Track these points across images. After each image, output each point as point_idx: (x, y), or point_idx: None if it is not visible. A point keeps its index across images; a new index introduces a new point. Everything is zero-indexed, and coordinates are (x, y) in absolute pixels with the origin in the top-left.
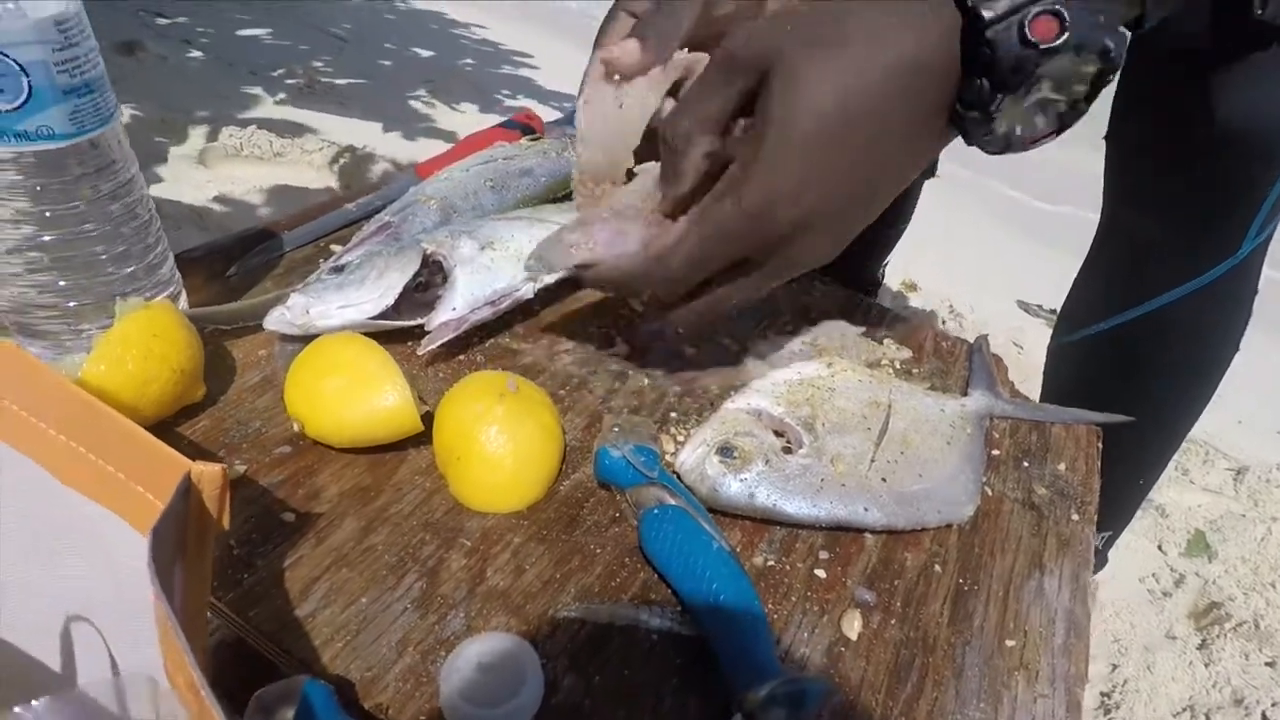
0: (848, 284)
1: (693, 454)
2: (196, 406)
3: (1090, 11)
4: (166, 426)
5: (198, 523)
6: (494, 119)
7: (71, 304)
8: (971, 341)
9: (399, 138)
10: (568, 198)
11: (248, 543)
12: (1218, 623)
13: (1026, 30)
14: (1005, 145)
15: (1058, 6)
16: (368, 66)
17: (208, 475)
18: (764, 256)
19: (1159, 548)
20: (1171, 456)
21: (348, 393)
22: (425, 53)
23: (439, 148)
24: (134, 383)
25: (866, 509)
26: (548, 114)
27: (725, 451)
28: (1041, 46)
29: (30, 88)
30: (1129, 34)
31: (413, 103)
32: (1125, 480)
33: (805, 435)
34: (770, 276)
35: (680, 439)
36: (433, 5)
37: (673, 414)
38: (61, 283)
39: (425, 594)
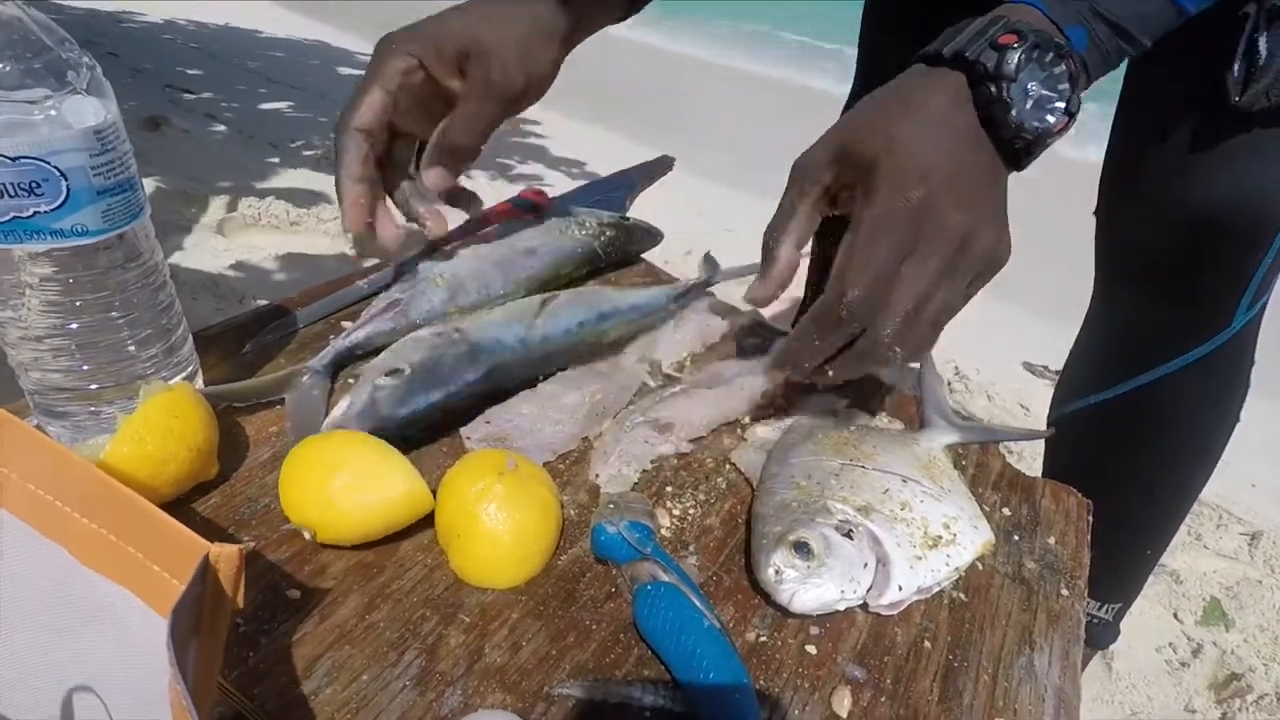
0: None
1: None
2: (210, 484)
3: (1037, 29)
4: (180, 503)
5: (213, 602)
6: (504, 185)
7: (93, 386)
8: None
9: None
10: (575, 273)
11: (254, 620)
12: (1238, 695)
13: (996, 40)
14: (1036, 135)
15: (1016, 25)
16: None
17: (225, 556)
18: (928, 242)
19: (1175, 616)
20: (1178, 526)
21: (356, 491)
22: None
23: (450, 214)
24: (152, 462)
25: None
26: (557, 179)
27: (800, 548)
28: (1008, 46)
29: (68, 190)
30: (1083, 37)
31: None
32: (1132, 552)
33: (862, 525)
34: (952, 269)
35: (676, 513)
36: None
37: (669, 488)
38: (85, 367)
39: (424, 671)
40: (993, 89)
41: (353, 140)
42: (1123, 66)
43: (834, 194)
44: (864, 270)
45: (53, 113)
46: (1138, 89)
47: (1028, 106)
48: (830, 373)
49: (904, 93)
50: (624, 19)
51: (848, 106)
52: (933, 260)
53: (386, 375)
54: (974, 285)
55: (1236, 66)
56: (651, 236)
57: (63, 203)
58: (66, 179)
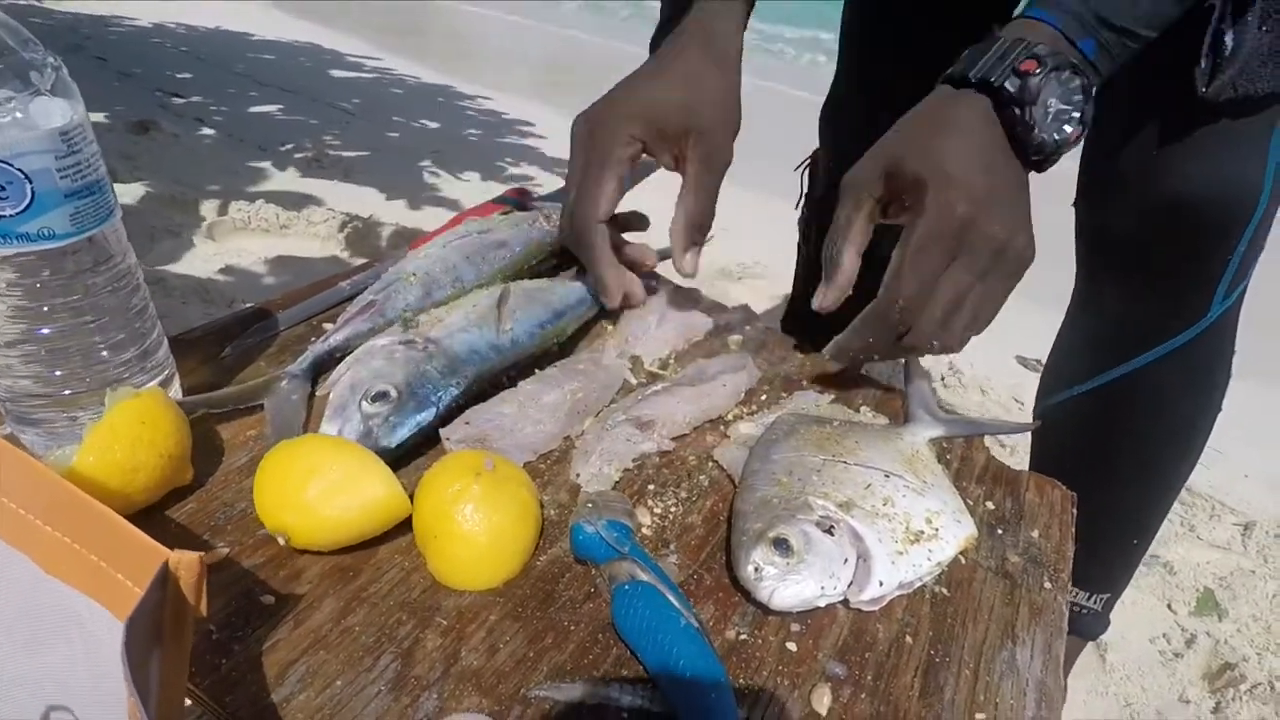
0: None
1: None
2: (185, 489)
3: (1054, 51)
4: (154, 510)
5: (175, 610)
6: (497, 187)
7: (67, 392)
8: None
9: (404, 206)
10: (543, 264)
11: (227, 626)
12: (1232, 685)
13: (1018, 67)
14: (1055, 148)
15: (1034, 51)
16: (375, 139)
17: (185, 563)
18: (969, 252)
19: (1168, 606)
20: (1164, 516)
21: (332, 497)
22: (431, 124)
23: (444, 215)
24: (123, 471)
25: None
26: (550, 180)
27: (780, 545)
28: (1029, 73)
29: (33, 194)
30: (1092, 47)
31: (418, 172)
32: (1119, 542)
33: (844, 521)
34: (987, 272)
35: (657, 511)
36: (440, 79)
37: (650, 486)
38: (58, 373)
39: (400, 675)
40: (1017, 112)
41: (600, 234)
42: None
43: (884, 206)
44: (914, 277)
45: (17, 114)
46: (1111, 80)
47: (1048, 123)
48: (876, 357)
49: (939, 115)
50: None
51: (828, 106)
52: (973, 267)
53: (373, 401)
54: (1008, 284)
55: (1203, 58)
56: None
57: (28, 206)
58: (31, 181)
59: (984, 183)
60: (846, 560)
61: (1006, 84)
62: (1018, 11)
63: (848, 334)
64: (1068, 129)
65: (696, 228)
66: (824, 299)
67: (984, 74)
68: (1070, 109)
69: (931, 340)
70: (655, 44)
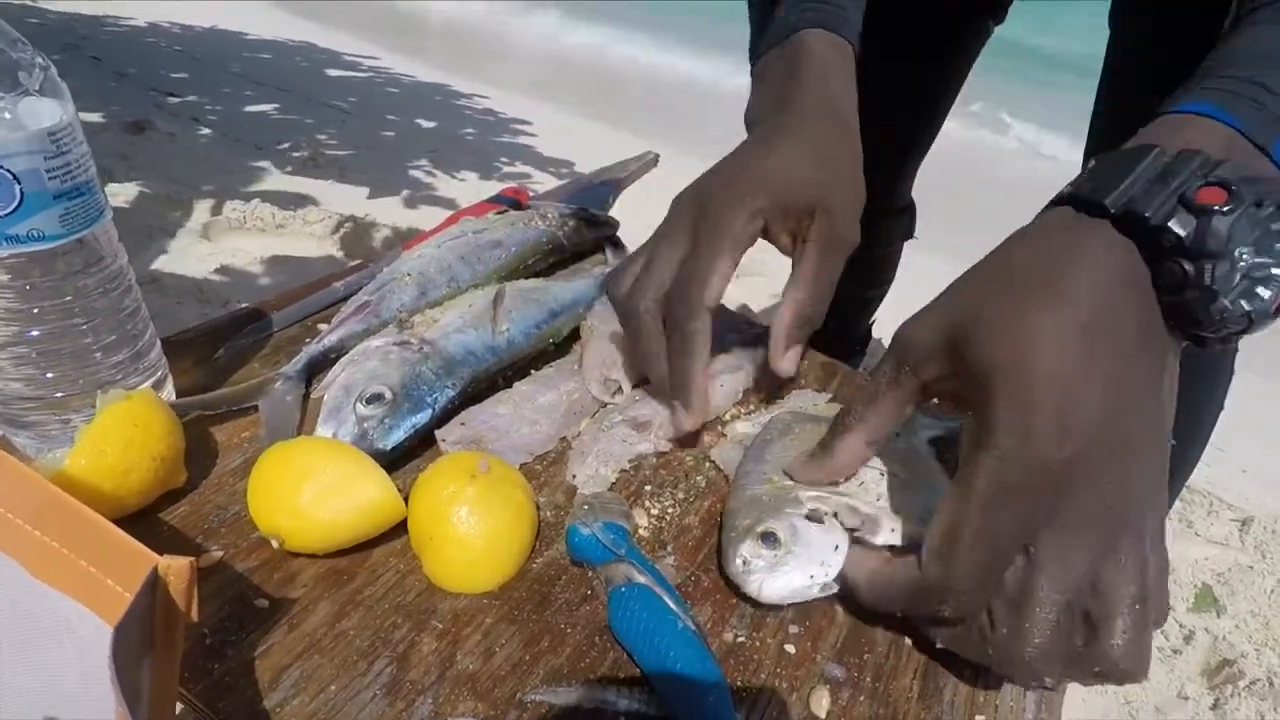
0: (839, 342)
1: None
2: (178, 492)
3: (1242, 170)
4: (147, 513)
5: (165, 615)
6: (493, 186)
7: (59, 394)
8: None
9: (400, 206)
10: (539, 264)
11: (220, 631)
12: (1230, 681)
13: (1192, 197)
14: (1245, 323)
15: (1219, 174)
16: (371, 138)
17: (175, 568)
18: (1062, 504)
19: None
20: (1166, 513)
21: (326, 499)
22: (427, 123)
23: (440, 215)
24: (115, 474)
25: None
26: (546, 179)
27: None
28: (1212, 208)
29: (22, 194)
30: None
31: (414, 172)
32: None
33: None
34: (1123, 550)
35: (654, 513)
36: (436, 77)
37: (647, 487)
38: (49, 375)
39: (395, 680)
40: (1188, 269)
41: (706, 323)
42: (1105, 39)
43: (945, 392)
44: (975, 549)
45: (5, 115)
46: (1122, 63)
47: (1235, 284)
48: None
49: (1046, 264)
50: None
51: None
52: (1088, 545)
53: (368, 403)
54: (1156, 572)
55: None
56: (608, 224)
57: (16, 207)
58: (20, 182)
59: (1101, 398)
60: (837, 547)
61: (1173, 224)
62: (1171, 103)
63: (874, 603)
64: (1265, 293)
65: (805, 322)
66: (805, 475)
67: (1130, 203)
68: (1271, 261)
69: (1039, 675)
70: (753, 55)
